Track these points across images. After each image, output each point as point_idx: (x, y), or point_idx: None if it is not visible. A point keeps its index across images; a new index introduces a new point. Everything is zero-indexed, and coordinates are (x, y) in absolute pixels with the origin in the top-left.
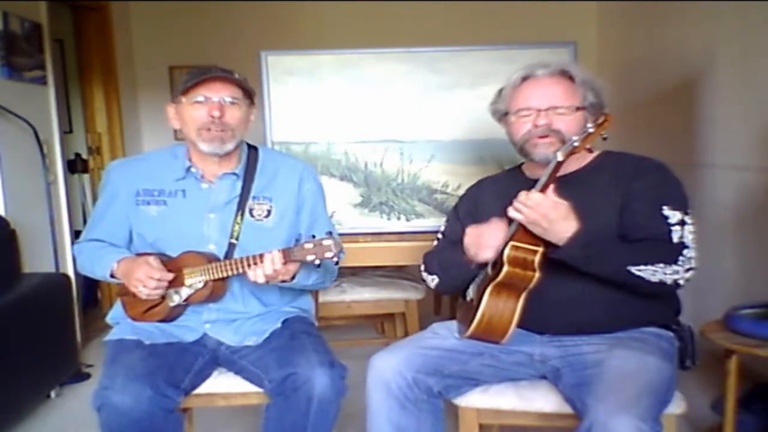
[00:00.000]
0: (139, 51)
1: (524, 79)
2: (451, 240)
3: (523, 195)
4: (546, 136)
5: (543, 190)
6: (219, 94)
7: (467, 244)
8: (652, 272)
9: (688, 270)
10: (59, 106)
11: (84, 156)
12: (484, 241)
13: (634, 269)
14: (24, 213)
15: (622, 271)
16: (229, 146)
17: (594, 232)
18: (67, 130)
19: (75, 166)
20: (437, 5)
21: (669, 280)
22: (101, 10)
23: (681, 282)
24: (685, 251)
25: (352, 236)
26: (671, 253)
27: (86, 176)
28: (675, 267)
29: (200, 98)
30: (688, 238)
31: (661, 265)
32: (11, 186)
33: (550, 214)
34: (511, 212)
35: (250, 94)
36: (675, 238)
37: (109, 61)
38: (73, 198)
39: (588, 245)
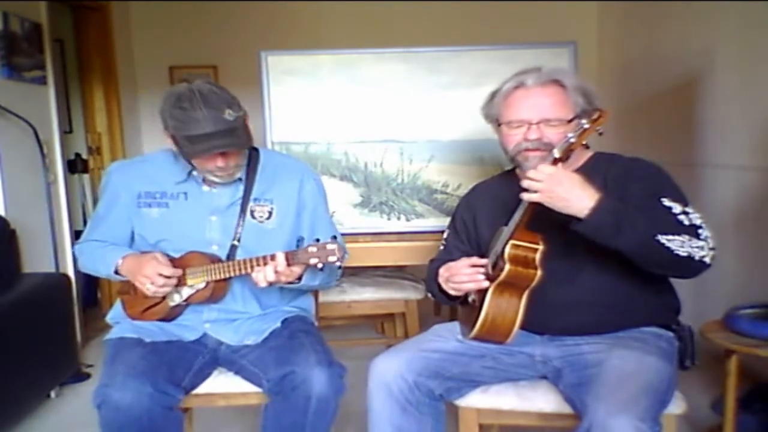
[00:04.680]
0: (139, 51)
1: (515, 87)
2: (451, 252)
3: (532, 171)
4: (537, 149)
5: None
6: (215, 160)
7: (441, 282)
8: (680, 243)
9: (711, 248)
10: (59, 106)
11: (84, 156)
12: (455, 280)
13: (662, 238)
14: (24, 213)
15: (651, 241)
16: (238, 175)
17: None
18: (67, 130)
19: (75, 166)
20: (437, 5)
21: (697, 255)
22: (101, 10)
23: (707, 260)
24: (700, 230)
25: (352, 236)
26: (691, 228)
27: (86, 176)
28: (700, 242)
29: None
30: (698, 222)
31: (687, 236)
32: (11, 186)
33: (566, 182)
34: (525, 195)
35: (241, 116)
36: (685, 222)
37: (109, 61)
38: (73, 198)
39: (617, 210)
